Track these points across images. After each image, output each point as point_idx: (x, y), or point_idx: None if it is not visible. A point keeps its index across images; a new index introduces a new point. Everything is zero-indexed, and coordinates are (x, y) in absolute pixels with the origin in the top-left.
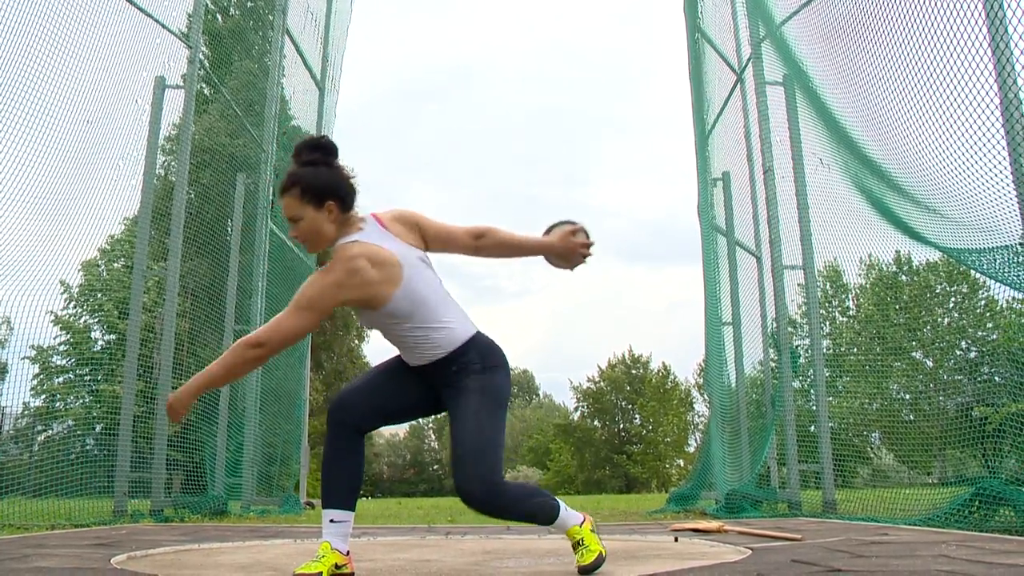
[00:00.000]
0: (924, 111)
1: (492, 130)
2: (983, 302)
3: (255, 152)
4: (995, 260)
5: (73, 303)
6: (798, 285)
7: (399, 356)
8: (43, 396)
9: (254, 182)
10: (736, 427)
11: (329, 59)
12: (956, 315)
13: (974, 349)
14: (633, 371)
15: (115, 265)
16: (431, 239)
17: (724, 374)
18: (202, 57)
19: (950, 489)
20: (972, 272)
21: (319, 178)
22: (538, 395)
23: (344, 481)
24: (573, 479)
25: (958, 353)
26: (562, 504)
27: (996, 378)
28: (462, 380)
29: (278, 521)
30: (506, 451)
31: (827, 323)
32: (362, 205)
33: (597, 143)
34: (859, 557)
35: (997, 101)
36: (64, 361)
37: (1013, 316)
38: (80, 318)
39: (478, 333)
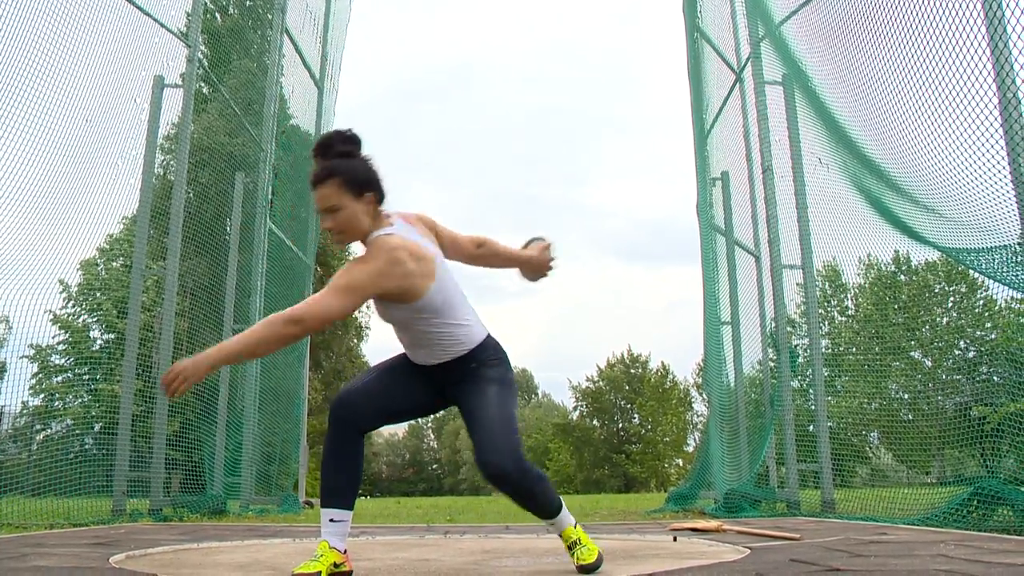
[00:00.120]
0: (923, 111)
1: (492, 130)
2: (982, 302)
3: (254, 151)
4: (994, 260)
5: (72, 302)
6: (797, 285)
7: (402, 356)
8: (42, 395)
9: (253, 181)
10: (735, 427)
11: (328, 58)
12: (955, 315)
13: (973, 349)
14: (632, 371)
15: (114, 264)
16: (443, 243)
17: (723, 374)
18: (201, 56)
19: (949, 489)
20: (971, 272)
21: (358, 169)
22: (537, 395)
23: (344, 480)
24: (572, 479)
25: (957, 353)
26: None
27: (995, 378)
28: (481, 372)
29: (277, 520)
30: None
31: (826, 323)
32: None
33: (596, 143)
34: (858, 556)
35: (996, 101)
36: (63, 360)
37: (1012, 316)
38: (79, 317)
39: (489, 333)
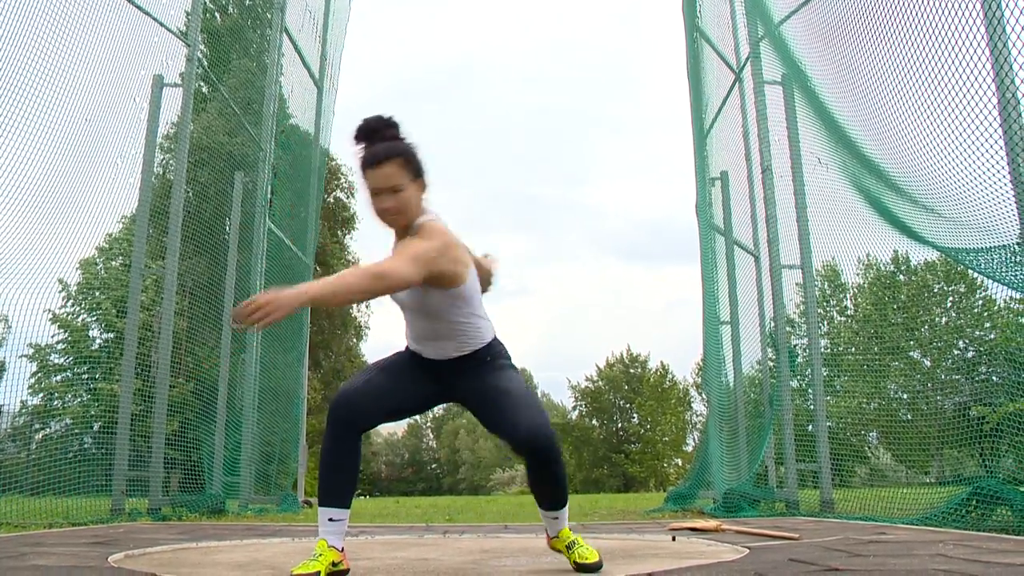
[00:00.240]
0: (922, 110)
1: (491, 130)
2: (981, 302)
3: (253, 151)
4: (993, 260)
5: (71, 301)
6: (796, 284)
7: (401, 354)
8: (41, 394)
9: (252, 181)
10: (734, 426)
11: (327, 58)
12: (954, 314)
13: (972, 349)
14: (631, 370)
15: (113, 263)
16: None
17: (722, 373)
18: (200, 55)
19: (948, 488)
20: (970, 272)
21: (415, 152)
22: (536, 394)
23: (343, 480)
24: (571, 478)
25: (956, 352)
26: None
27: (994, 377)
28: (498, 363)
29: (276, 520)
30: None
31: (825, 322)
32: (362, 205)
33: (596, 143)
34: (856, 556)
35: (995, 101)
36: (62, 359)
37: (1011, 316)
38: (78, 316)
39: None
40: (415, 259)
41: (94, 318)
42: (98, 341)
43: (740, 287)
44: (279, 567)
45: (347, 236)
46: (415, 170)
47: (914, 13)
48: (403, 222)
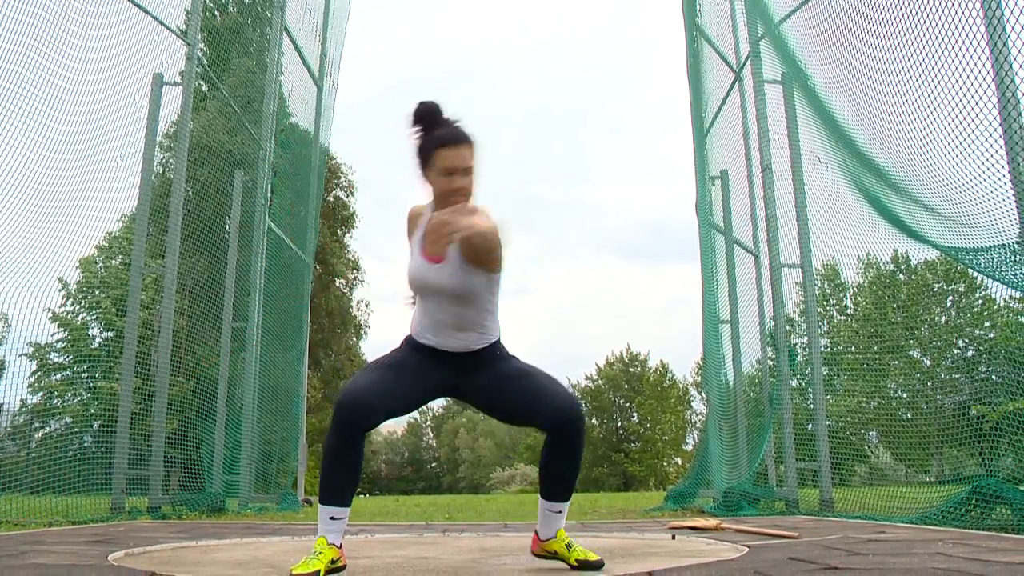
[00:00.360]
0: (922, 110)
1: (490, 129)
2: (980, 301)
3: (253, 149)
4: (992, 259)
5: (71, 300)
6: (796, 283)
7: (406, 349)
8: (41, 393)
9: (252, 179)
10: (734, 425)
11: (327, 56)
12: (954, 314)
13: (972, 348)
14: (631, 369)
15: (113, 262)
16: None
17: (722, 372)
18: (200, 54)
19: (947, 487)
20: (970, 271)
21: None
22: None
23: (345, 480)
24: None
25: (955, 352)
26: None
27: (993, 376)
28: (508, 358)
29: (276, 518)
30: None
31: (825, 321)
32: (362, 204)
33: (595, 142)
34: (856, 555)
35: (995, 100)
36: (62, 358)
37: (1011, 315)
38: (78, 315)
39: None
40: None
41: (94, 317)
42: (98, 340)
43: (740, 286)
44: (279, 565)
45: (347, 235)
46: (475, 155)
47: (914, 12)
48: (465, 203)
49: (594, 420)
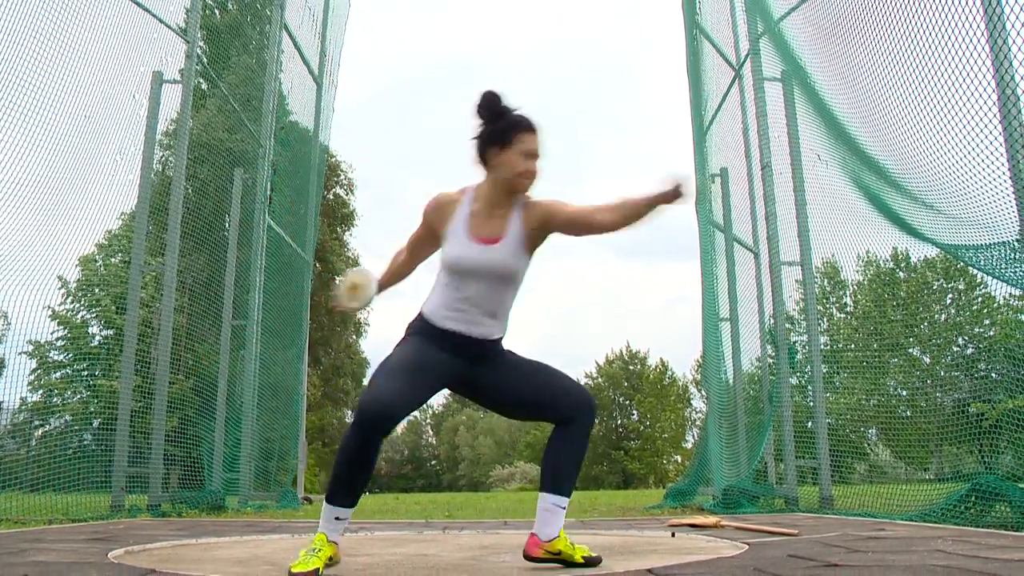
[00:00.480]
0: (922, 107)
1: None
2: (980, 298)
3: (253, 147)
4: (992, 256)
5: (70, 298)
6: (796, 281)
7: (423, 342)
8: (40, 391)
9: (252, 177)
10: (733, 423)
11: (327, 54)
12: (953, 311)
13: (971, 345)
14: (631, 367)
15: (112, 260)
16: None
17: (722, 370)
18: (200, 52)
19: (947, 485)
20: (969, 268)
21: None
22: None
23: (359, 482)
24: None
25: (955, 349)
26: None
27: (993, 374)
28: (508, 352)
29: (275, 516)
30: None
31: (825, 319)
32: (362, 202)
33: (595, 140)
34: (855, 552)
35: (995, 98)
36: (61, 356)
37: (1010, 312)
38: (77, 313)
39: None
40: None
41: (94, 315)
42: (98, 338)
43: (740, 284)
44: (278, 563)
45: (346, 233)
46: None
47: (914, 9)
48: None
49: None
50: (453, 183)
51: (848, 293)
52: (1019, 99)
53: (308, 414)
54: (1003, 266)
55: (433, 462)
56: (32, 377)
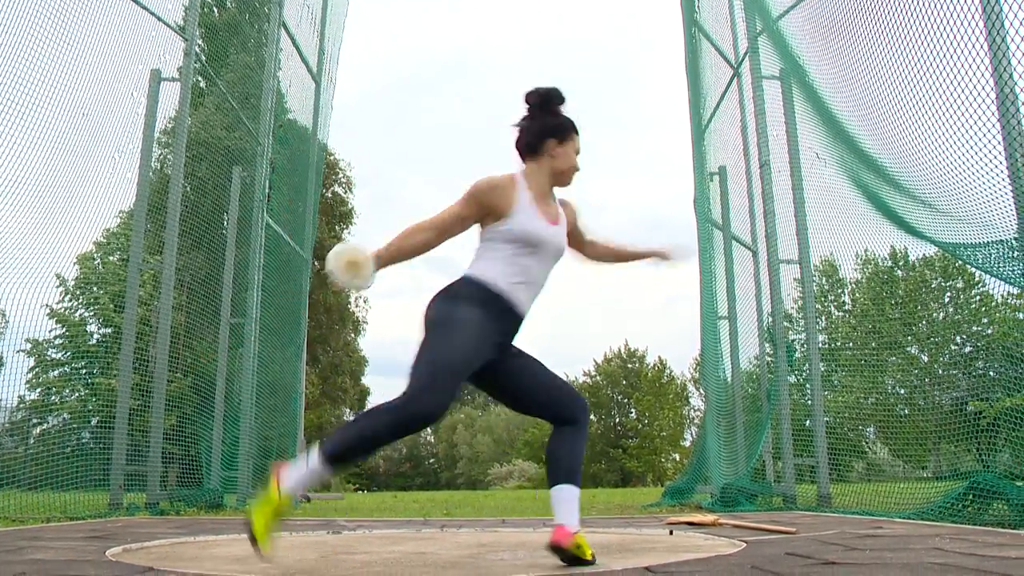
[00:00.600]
0: (921, 106)
1: (488, 125)
2: (978, 297)
3: (251, 145)
4: (991, 255)
5: (69, 296)
6: (794, 280)
7: (486, 319)
8: (39, 389)
9: (250, 175)
10: (732, 421)
11: (325, 52)
12: (951, 310)
13: (969, 344)
14: (629, 365)
15: (111, 258)
16: None
17: (720, 368)
18: (198, 50)
19: (944, 483)
20: (968, 267)
21: None
22: None
23: (360, 460)
24: None
25: (953, 348)
26: None
27: (991, 373)
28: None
29: None
30: (501, 445)
31: (823, 318)
32: (360, 199)
33: (594, 138)
34: (853, 550)
35: (993, 96)
36: (60, 354)
37: (1008, 311)
38: (76, 311)
39: None
40: None
41: (92, 313)
42: (96, 336)
43: (738, 282)
44: (276, 561)
45: (345, 231)
46: None
47: (912, 8)
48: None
49: (592, 416)
50: (452, 182)
51: (846, 291)
52: (1017, 97)
53: (306, 412)
54: (1001, 264)
55: (431, 460)
56: (30, 375)
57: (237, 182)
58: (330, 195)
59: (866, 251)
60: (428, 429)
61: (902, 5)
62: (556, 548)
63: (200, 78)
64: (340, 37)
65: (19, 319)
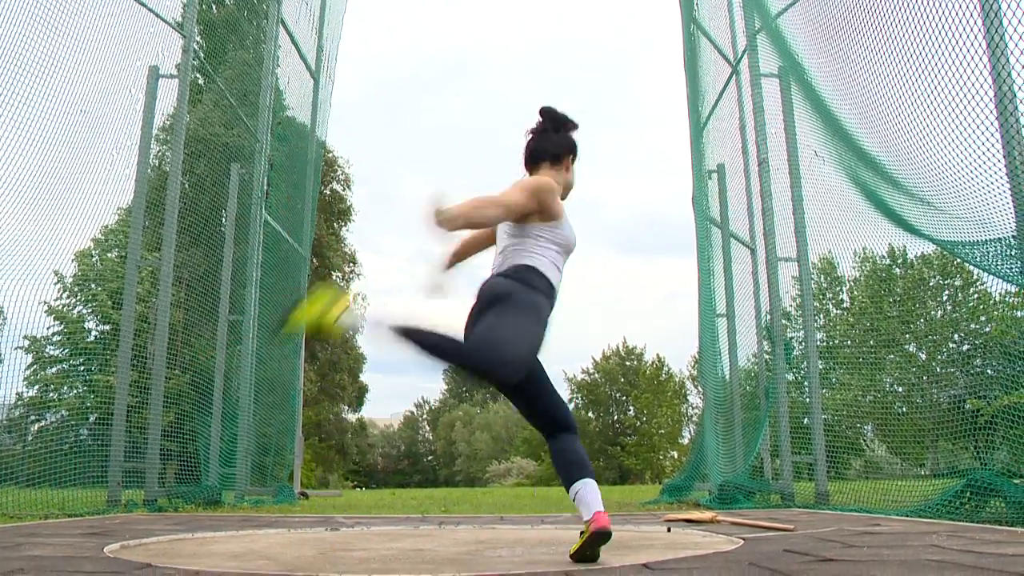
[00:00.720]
0: (919, 103)
1: (487, 122)
2: (976, 295)
3: (250, 142)
4: (988, 253)
5: (67, 293)
6: (792, 277)
7: (548, 309)
8: (37, 386)
9: (248, 172)
10: (730, 419)
11: (324, 50)
12: (949, 308)
13: (967, 342)
14: (627, 363)
15: (109, 255)
16: None
17: (718, 366)
18: (196, 47)
19: (942, 480)
20: (966, 265)
21: None
22: None
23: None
24: None
25: (951, 346)
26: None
27: (989, 371)
28: None
29: (272, 511)
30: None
31: (821, 315)
32: (359, 197)
33: (593, 136)
34: (850, 547)
35: (991, 94)
36: (58, 351)
37: (1006, 309)
38: (74, 308)
39: None
40: None
41: (90, 310)
42: (94, 333)
43: (736, 280)
44: (274, 557)
45: (343, 228)
46: None
47: (911, 5)
48: None
49: (590, 414)
50: (451, 180)
51: (845, 289)
52: (1015, 95)
53: (304, 409)
54: (999, 262)
55: (430, 457)
56: (28, 372)
57: (235, 179)
58: (328, 192)
59: (864, 249)
60: (426, 427)
61: (901, 2)
62: (605, 533)
63: (198, 75)
64: (339, 34)
65: (17, 316)
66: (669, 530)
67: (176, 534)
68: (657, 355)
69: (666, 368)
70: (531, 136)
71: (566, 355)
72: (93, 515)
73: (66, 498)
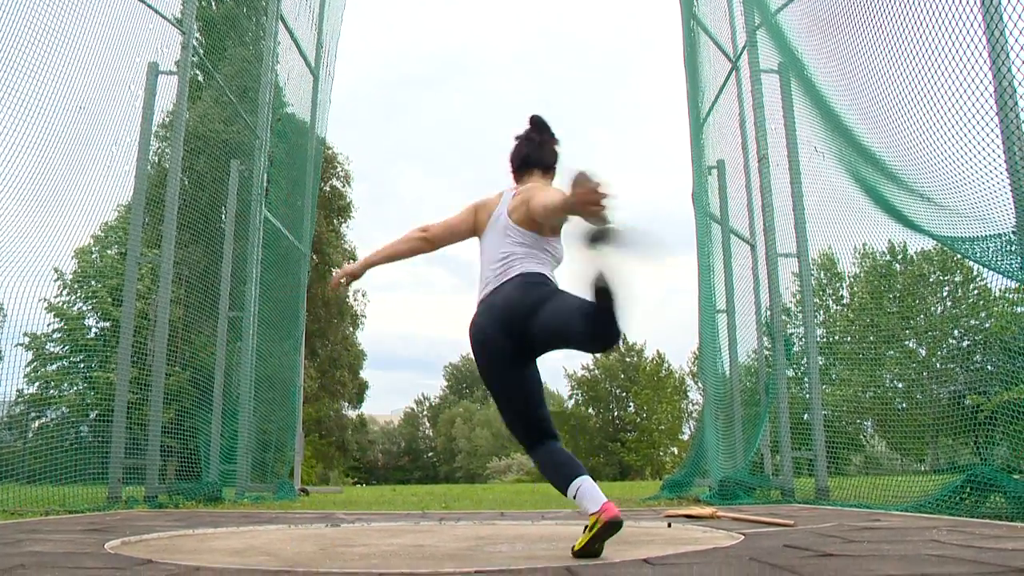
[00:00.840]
0: (919, 99)
1: (486, 119)
2: (976, 291)
3: (249, 139)
4: (988, 248)
5: (67, 290)
6: (792, 273)
7: None
8: (37, 383)
9: (248, 169)
10: (730, 415)
11: (323, 46)
12: (949, 304)
13: (967, 338)
14: (627, 359)
15: (109, 252)
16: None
17: (718, 362)
18: (196, 43)
19: (942, 476)
20: (966, 260)
21: None
22: None
23: None
24: None
25: (951, 342)
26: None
27: (989, 366)
28: None
29: (272, 507)
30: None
31: (821, 311)
32: (359, 193)
33: (592, 132)
34: (851, 542)
35: (991, 89)
36: (58, 348)
37: (1006, 305)
38: (74, 305)
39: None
40: None
41: (90, 307)
42: (94, 330)
43: (736, 276)
44: (275, 553)
45: (343, 224)
46: None
47: (911, 1)
48: None
49: (591, 410)
50: (451, 178)
51: (845, 285)
52: (1015, 90)
53: (305, 406)
54: (999, 258)
55: (430, 454)
56: (29, 369)
57: (235, 176)
58: (328, 189)
59: (864, 245)
60: (427, 423)
61: None
62: (617, 522)
63: (198, 71)
64: (338, 31)
65: (17, 313)
66: (670, 526)
67: (177, 530)
68: (657, 351)
69: (666, 364)
70: (523, 142)
71: (566, 352)
72: (94, 511)
73: (67, 494)
